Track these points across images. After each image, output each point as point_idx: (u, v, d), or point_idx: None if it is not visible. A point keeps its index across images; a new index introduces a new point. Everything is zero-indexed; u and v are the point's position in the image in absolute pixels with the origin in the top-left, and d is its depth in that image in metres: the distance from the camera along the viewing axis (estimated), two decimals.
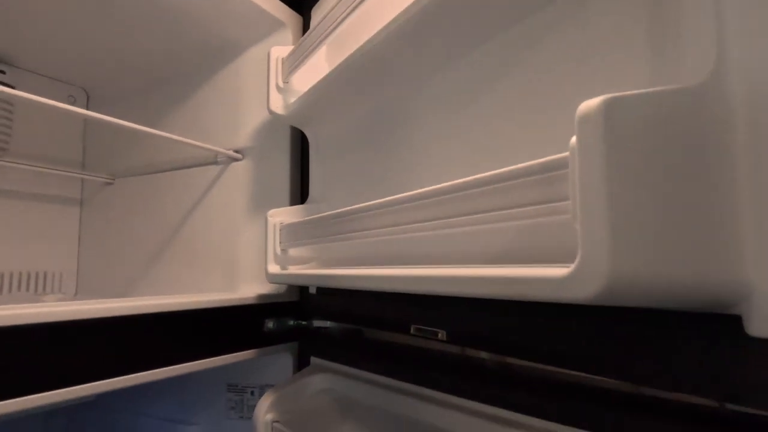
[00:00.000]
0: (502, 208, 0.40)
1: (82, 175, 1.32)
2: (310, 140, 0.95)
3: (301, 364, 0.94)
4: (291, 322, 0.93)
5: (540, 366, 0.58)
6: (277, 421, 0.79)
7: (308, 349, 0.93)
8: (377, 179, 0.80)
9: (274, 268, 0.84)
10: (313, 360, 0.92)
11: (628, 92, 0.32)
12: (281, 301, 0.93)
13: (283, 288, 0.94)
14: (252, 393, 0.99)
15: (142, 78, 1.25)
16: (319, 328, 0.94)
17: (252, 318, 0.87)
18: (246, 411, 1.00)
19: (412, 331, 0.66)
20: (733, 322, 0.35)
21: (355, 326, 0.92)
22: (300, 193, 0.99)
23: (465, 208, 0.44)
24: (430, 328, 0.63)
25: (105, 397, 1.20)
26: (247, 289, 0.98)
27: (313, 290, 0.92)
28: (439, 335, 0.61)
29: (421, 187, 0.52)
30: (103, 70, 1.25)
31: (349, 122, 0.86)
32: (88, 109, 1.40)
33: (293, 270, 0.82)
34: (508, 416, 0.57)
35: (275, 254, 0.83)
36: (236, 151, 1.04)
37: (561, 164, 0.35)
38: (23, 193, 1.28)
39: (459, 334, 0.60)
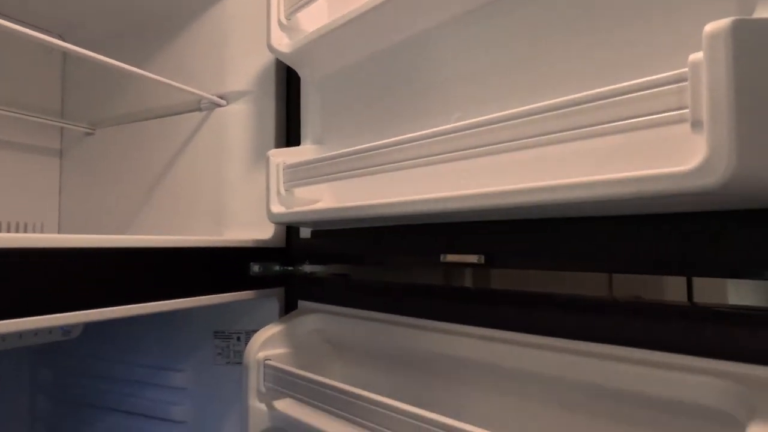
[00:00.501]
0: (618, 119, 0.44)
1: (61, 124, 1.28)
2: (306, 81, 0.92)
3: (288, 309, 0.95)
4: (277, 268, 0.93)
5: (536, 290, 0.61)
6: (269, 359, 0.80)
7: (296, 293, 0.93)
8: (387, 122, 0.79)
9: (278, 209, 0.82)
10: (301, 303, 0.92)
11: (752, 17, 0.38)
12: (268, 246, 0.93)
13: (269, 234, 0.94)
14: (238, 339, 1.00)
15: (119, 21, 1.20)
16: (307, 273, 0.94)
17: (238, 261, 0.86)
18: (233, 356, 1.00)
19: (443, 260, 0.67)
20: None
21: (344, 270, 0.93)
22: (287, 138, 0.98)
23: (569, 123, 0.47)
24: (466, 255, 0.64)
25: (92, 345, 1.20)
26: (234, 235, 0.97)
27: (305, 234, 0.91)
28: (477, 260, 0.63)
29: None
30: (78, 14, 1.20)
31: (360, 62, 0.84)
32: (63, 59, 1.35)
33: (302, 208, 0.81)
34: (499, 335, 0.62)
35: (279, 194, 0.82)
36: (220, 97, 1.02)
37: (680, 78, 0.41)
38: (1, 142, 1.24)
39: (500, 257, 0.62)
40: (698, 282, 0.59)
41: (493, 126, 0.53)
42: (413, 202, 0.61)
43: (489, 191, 0.53)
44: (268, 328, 0.83)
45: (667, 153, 0.48)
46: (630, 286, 0.89)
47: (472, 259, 0.65)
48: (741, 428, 0.41)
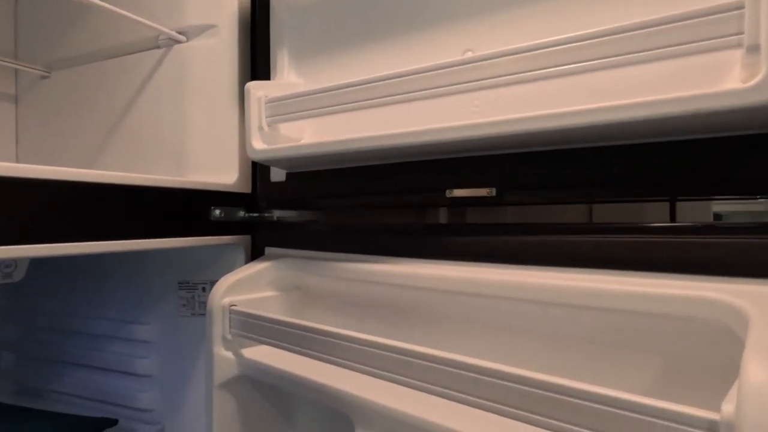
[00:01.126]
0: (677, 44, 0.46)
1: (15, 65, 1.19)
2: (280, 10, 0.83)
3: (254, 257, 0.91)
4: (242, 213, 0.88)
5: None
6: (234, 305, 0.76)
7: (263, 240, 0.89)
8: (376, 53, 0.74)
9: (260, 145, 0.76)
10: (268, 250, 0.88)
11: None
12: (232, 191, 0.87)
13: (233, 178, 0.88)
14: (203, 289, 0.96)
15: None
16: (276, 219, 0.90)
17: (198, 205, 0.81)
18: (197, 307, 0.96)
19: (448, 194, 0.64)
20: None
21: (320, 213, 0.89)
22: (252, 76, 0.91)
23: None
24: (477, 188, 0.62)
25: (56, 301, 1.15)
26: (196, 179, 0.92)
27: (278, 177, 0.86)
28: (487, 192, 0.61)
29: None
30: None
31: None
32: None
33: (291, 144, 0.75)
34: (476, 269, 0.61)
35: (260, 130, 0.76)
36: (180, 32, 0.95)
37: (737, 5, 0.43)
38: None
39: (513, 189, 0.60)
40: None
41: (530, 53, 0.52)
42: (425, 132, 0.58)
43: (526, 116, 0.52)
44: (233, 274, 0.79)
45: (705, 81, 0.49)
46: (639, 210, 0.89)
47: (482, 192, 0.62)
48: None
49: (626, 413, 0.38)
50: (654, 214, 0.89)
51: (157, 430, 0.99)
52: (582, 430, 0.40)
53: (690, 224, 0.49)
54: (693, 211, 0.89)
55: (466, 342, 0.65)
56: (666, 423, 0.37)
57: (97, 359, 1.07)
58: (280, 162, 0.80)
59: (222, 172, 0.90)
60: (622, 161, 0.53)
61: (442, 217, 0.94)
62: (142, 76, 1.00)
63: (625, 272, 0.52)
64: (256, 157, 0.77)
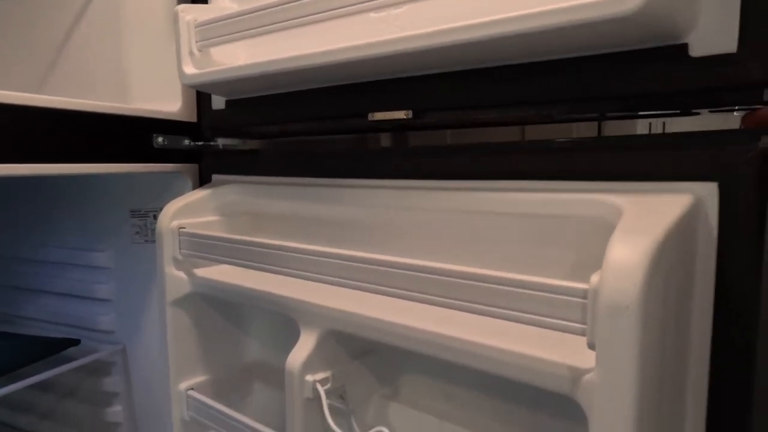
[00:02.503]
0: None
1: None
2: None
3: (202, 185, 0.92)
4: (187, 142, 0.89)
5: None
6: (183, 228, 0.78)
7: (209, 168, 0.90)
8: None
9: (191, 70, 0.75)
10: (215, 177, 0.90)
11: None
12: (175, 119, 0.87)
13: (176, 107, 0.88)
14: (154, 217, 0.97)
15: None
16: (220, 147, 0.91)
17: (141, 132, 0.81)
18: (150, 235, 0.98)
19: (371, 118, 0.66)
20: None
21: (261, 140, 0.90)
22: None
23: None
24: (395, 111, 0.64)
25: (14, 231, 1.14)
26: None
27: (218, 105, 0.86)
28: (405, 114, 0.63)
29: None
30: None
31: None
32: None
33: (219, 67, 0.74)
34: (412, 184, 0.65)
35: (191, 55, 0.74)
36: None
37: None
38: None
39: (427, 111, 0.62)
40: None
41: None
42: (348, 49, 0.58)
43: (420, 33, 0.53)
44: (181, 198, 0.81)
45: None
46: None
47: (400, 114, 0.65)
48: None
49: (517, 290, 0.44)
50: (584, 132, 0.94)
51: (119, 350, 1.03)
52: (481, 306, 0.46)
53: (583, 139, 0.54)
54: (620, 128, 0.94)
55: (402, 249, 0.70)
56: (550, 295, 0.43)
57: (57, 286, 1.09)
58: (213, 87, 0.80)
59: (165, 101, 0.89)
60: (526, 80, 0.55)
61: (383, 140, 0.98)
62: (79, 3, 0.95)
63: (535, 182, 0.56)
64: (188, 82, 0.77)
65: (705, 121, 0.55)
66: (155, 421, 1.03)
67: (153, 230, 0.97)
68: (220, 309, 0.86)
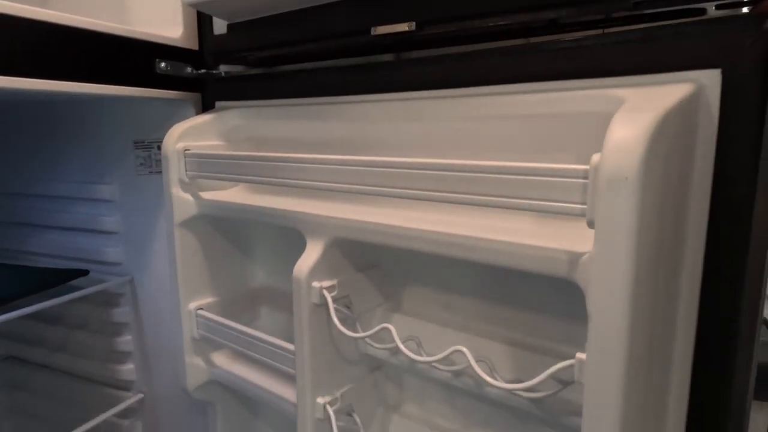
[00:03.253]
0: None
1: None
2: None
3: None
4: (189, 70, 0.88)
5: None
6: (188, 150, 0.79)
7: (212, 95, 0.90)
8: None
9: None
10: (219, 104, 0.90)
11: None
12: (177, 45, 0.86)
13: (178, 33, 0.87)
14: (158, 148, 0.97)
15: None
16: (223, 75, 0.90)
17: (143, 55, 0.80)
18: (154, 166, 0.98)
19: (374, 32, 0.65)
20: None
21: (265, 63, 0.89)
22: None
23: None
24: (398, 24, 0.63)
25: (17, 165, 1.15)
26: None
27: (220, 29, 0.85)
28: (407, 26, 0.62)
29: None
30: None
31: None
32: None
33: None
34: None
35: None
36: None
37: None
38: None
39: (430, 22, 0.62)
40: None
41: None
42: None
43: None
44: (186, 122, 0.81)
45: None
46: None
47: (403, 27, 0.64)
48: None
49: (519, 177, 0.45)
50: None
51: (127, 281, 1.05)
52: (483, 197, 0.48)
53: (585, 36, 0.54)
54: None
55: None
56: (551, 179, 0.44)
57: (63, 220, 1.10)
58: (214, 7, 0.79)
59: (166, 27, 0.88)
60: None
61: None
62: None
63: (539, 83, 0.57)
64: (189, 1, 0.76)
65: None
66: (165, 350, 1.06)
67: (157, 161, 0.98)
68: (226, 233, 0.87)
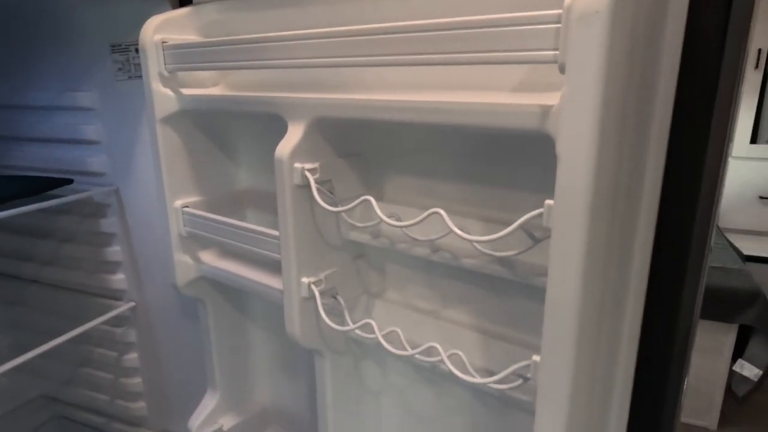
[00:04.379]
0: None
1: None
2: None
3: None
4: None
5: None
6: (165, 42, 0.77)
7: None
8: None
9: None
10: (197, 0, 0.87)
11: None
12: None
13: None
14: (136, 51, 0.95)
15: None
16: None
17: None
18: (134, 70, 0.96)
19: None
20: None
21: None
22: None
23: None
24: None
25: None
26: None
27: None
28: None
29: None
30: None
31: None
32: None
33: None
34: None
35: None
36: None
37: None
38: None
39: None
40: None
41: None
42: None
43: None
44: (163, 14, 0.79)
45: None
46: None
47: None
48: None
49: (492, 29, 0.46)
50: None
51: (113, 191, 1.05)
52: (457, 55, 0.48)
53: None
54: None
55: None
56: (528, 27, 0.44)
57: (43, 131, 1.08)
58: None
59: None
60: None
61: None
62: None
63: None
64: None
65: None
66: (155, 260, 1.07)
67: (136, 66, 0.95)
68: (209, 133, 0.87)
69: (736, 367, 2.54)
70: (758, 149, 2.95)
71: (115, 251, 1.09)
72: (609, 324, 0.54)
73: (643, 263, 0.56)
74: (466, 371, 0.60)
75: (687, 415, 2.62)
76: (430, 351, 0.63)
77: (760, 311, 2.36)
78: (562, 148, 0.44)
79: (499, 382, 0.56)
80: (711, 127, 0.50)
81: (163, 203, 0.84)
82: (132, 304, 1.12)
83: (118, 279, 1.11)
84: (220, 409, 0.98)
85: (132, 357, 1.17)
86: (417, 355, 0.64)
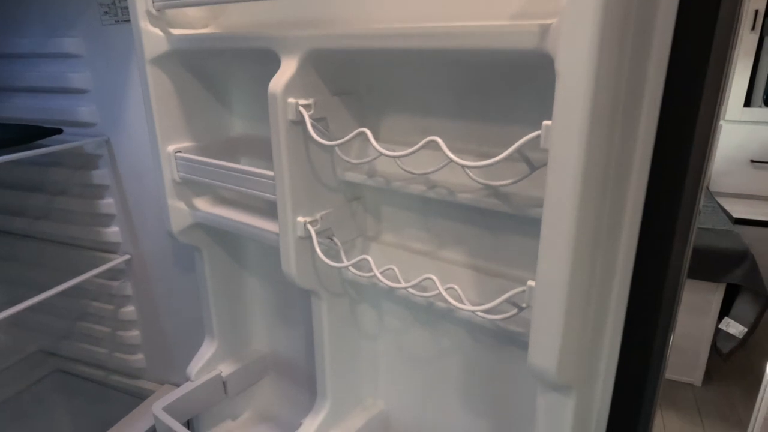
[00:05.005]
0: None
1: None
2: None
3: None
4: None
5: None
6: None
7: None
8: None
9: None
10: None
11: None
12: None
13: None
14: None
15: None
16: None
17: None
18: (120, 14, 0.93)
19: None
20: None
21: None
22: None
23: None
24: None
25: None
26: None
27: None
28: None
29: None
30: None
31: None
32: None
33: None
34: None
35: None
36: None
37: None
38: None
39: None
40: None
41: None
42: None
43: None
44: None
45: None
46: None
47: None
48: None
49: None
50: None
51: (103, 141, 1.03)
52: None
53: None
54: None
55: None
56: None
57: (29, 79, 1.05)
58: None
59: None
60: None
61: None
62: None
63: None
64: None
65: None
66: (149, 212, 1.07)
67: (123, 9, 0.93)
68: (201, 76, 0.85)
69: (722, 325, 2.60)
70: (752, 112, 2.95)
71: (107, 203, 1.08)
72: (602, 259, 0.55)
73: (635, 212, 0.56)
74: (461, 303, 0.60)
75: (673, 371, 2.68)
76: (426, 286, 0.63)
77: (747, 270, 2.40)
78: (561, 65, 0.43)
79: (494, 311, 0.56)
80: (704, 86, 0.49)
81: (156, 149, 0.83)
82: (127, 256, 1.11)
83: (112, 232, 1.11)
84: (218, 356, 0.99)
85: (129, 310, 1.17)
86: (412, 290, 0.65)
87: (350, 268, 0.70)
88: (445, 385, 0.81)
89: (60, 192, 1.12)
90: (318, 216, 0.71)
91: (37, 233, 1.20)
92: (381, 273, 0.66)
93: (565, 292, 0.49)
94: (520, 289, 0.54)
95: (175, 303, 1.12)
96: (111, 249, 1.13)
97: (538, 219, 0.49)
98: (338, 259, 0.72)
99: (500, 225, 0.67)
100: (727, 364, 2.78)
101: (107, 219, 1.10)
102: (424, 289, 0.64)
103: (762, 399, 2.15)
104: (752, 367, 2.74)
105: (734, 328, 2.51)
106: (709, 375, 2.68)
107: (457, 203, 0.65)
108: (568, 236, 0.47)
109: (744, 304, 2.45)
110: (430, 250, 0.75)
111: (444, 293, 0.59)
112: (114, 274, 1.14)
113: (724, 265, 2.40)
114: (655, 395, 0.62)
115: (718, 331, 2.57)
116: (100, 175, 1.06)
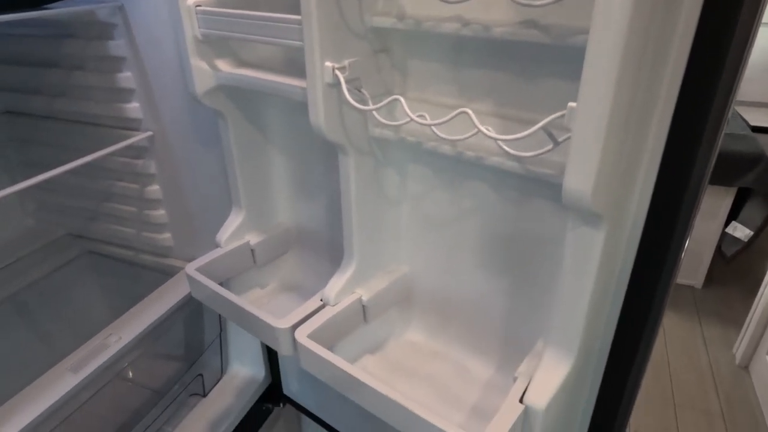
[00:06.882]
0: None
1: None
2: None
3: None
4: None
5: None
6: None
7: None
8: None
9: None
10: None
11: None
12: None
13: None
14: None
15: None
16: None
17: None
18: None
19: None
20: None
21: None
22: None
23: None
24: None
25: None
26: None
27: None
28: None
29: None
30: None
31: None
32: None
33: None
34: None
35: None
36: None
37: None
38: None
39: None
40: None
41: None
42: None
43: None
44: None
45: None
46: None
47: None
48: None
49: None
50: None
51: (116, 7, 0.99)
52: None
53: None
54: None
55: None
56: None
57: None
58: None
59: None
60: None
61: None
62: None
63: None
64: None
65: None
66: (169, 84, 1.04)
67: None
68: None
69: (729, 229, 2.62)
70: None
71: (126, 77, 1.06)
72: (642, 95, 0.53)
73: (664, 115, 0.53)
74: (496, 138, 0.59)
75: None
76: (461, 121, 0.62)
77: (760, 174, 2.38)
78: None
79: (530, 149, 0.56)
80: None
81: (175, 4, 0.79)
82: (149, 133, 1.11)
83: (133, 107, 1.09)
84: (245, 226, 1.01)
85: (154, 189, 1.18)
86: (443, 134, 0.64)
87: (377, 115, 0.69)
88: (467, 247, 0.83)
89: (76, 67, 1.10)
90: (345, 63, 0.69)
91: (57, 112, 1.19)
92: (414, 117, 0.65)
93: (607, 110, 0.48)
94: (560, 113, 0.53)
95: (198, 180, 1.13)
96: (133, 126, 1.12)
97: (578, 56, 0.47)
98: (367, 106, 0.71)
99: (536, 68, 0.65)
100: (730, 267, 2.84)
101: (127, 94, 1.08)
102: (455, 131, 0.64)
103: (761, 296, 2.21)
104: (753, 270, 2.80)
105: (741, 231, 2.54)
106: (710, 278, 2.74)
107: (492, 40, 0.62)
108: (614, 55, 0.45)
109: (753, 208, 2.46)
110: (461, 103, 0.74)
111: (480, 126, 0.58)
112: (137, 152, 1.14)
113: (738, 169, 2.38)
114: (684, 235, 0.62)
115: (724, 235, 2.60)
116: (116, 46, 1.03)
